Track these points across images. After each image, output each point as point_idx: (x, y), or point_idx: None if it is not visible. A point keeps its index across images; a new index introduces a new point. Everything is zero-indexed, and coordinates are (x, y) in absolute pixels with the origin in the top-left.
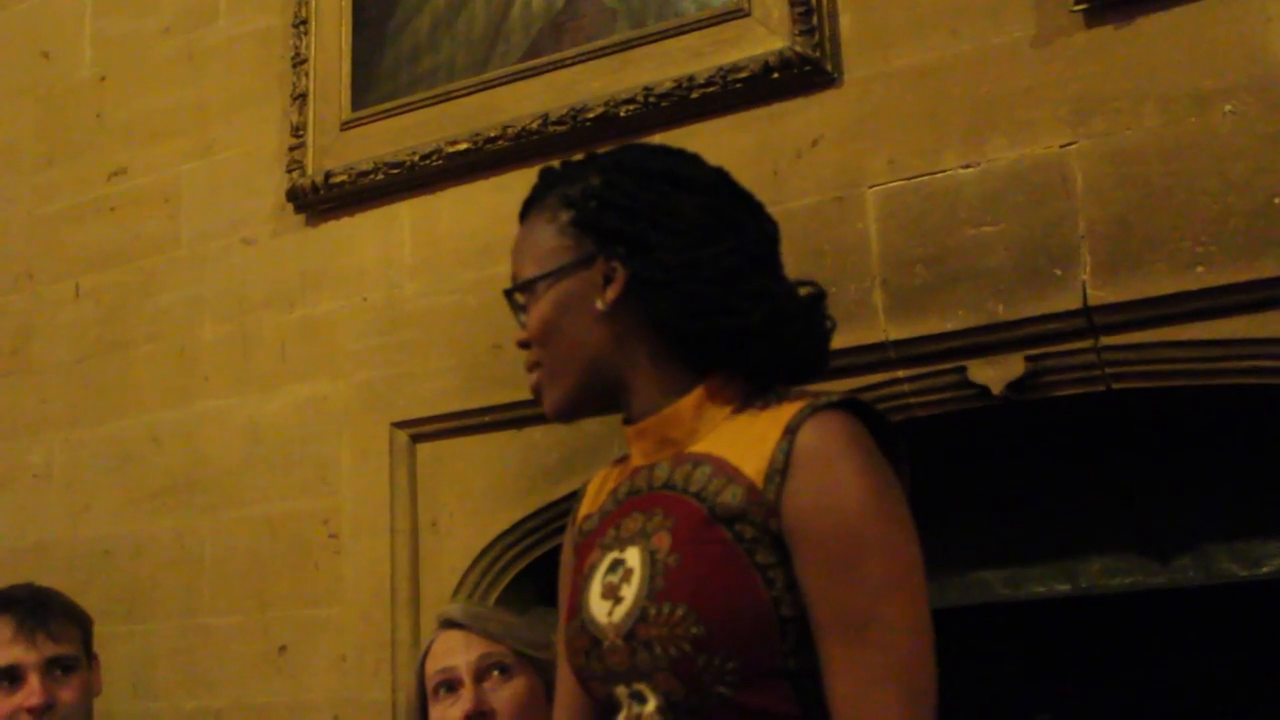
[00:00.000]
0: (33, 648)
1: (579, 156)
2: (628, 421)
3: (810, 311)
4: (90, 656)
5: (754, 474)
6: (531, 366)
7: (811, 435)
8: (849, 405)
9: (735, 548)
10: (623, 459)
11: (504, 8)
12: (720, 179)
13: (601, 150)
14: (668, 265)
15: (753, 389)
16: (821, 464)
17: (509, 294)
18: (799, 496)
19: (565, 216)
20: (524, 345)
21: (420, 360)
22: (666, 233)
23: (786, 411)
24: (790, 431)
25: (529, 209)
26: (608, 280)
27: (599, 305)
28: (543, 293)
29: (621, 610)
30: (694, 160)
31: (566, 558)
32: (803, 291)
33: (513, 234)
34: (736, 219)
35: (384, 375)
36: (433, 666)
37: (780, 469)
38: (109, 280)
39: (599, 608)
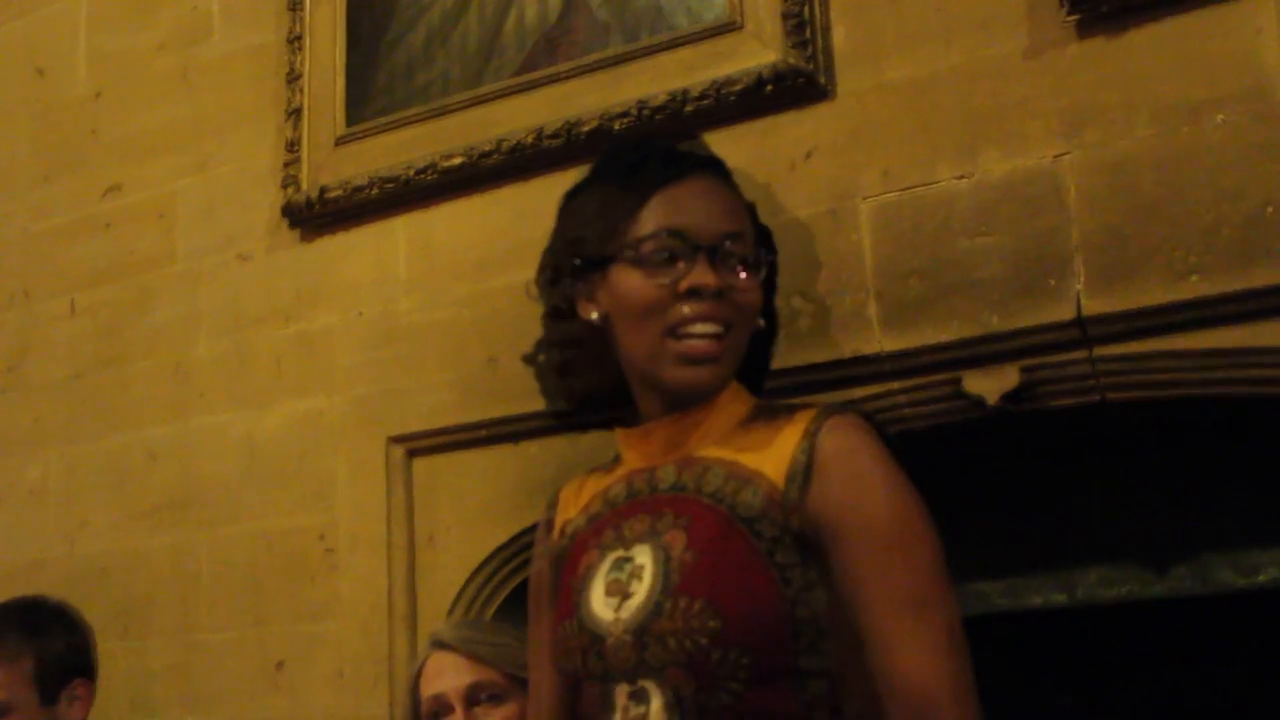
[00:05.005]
0: None
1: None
2: (625, 424)
3: None
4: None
5: (774, 475)
6: (719, 318)
7: (834, 436)
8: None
9: (755, 545)
10: (598, 468)
11: (498, 23)
12: None
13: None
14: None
15: (758, 402)
16: (852, 460)
17: (729, 238)
18: (833, 492)
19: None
20: (719, 294)
21: (416, 375)
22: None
23: (800, 419)
24: (810, 435)
25: (711, 170)
26: None
27: (760, 321)
28: (755, 272)
29: (632, 605)
30: None
31: (542, 566)
32: None
33: (506, 247)
34: None
35: (380, 390)
36: (425, 690)
37: (803, 470)
38: (104, 297)
39: (603, 605)
